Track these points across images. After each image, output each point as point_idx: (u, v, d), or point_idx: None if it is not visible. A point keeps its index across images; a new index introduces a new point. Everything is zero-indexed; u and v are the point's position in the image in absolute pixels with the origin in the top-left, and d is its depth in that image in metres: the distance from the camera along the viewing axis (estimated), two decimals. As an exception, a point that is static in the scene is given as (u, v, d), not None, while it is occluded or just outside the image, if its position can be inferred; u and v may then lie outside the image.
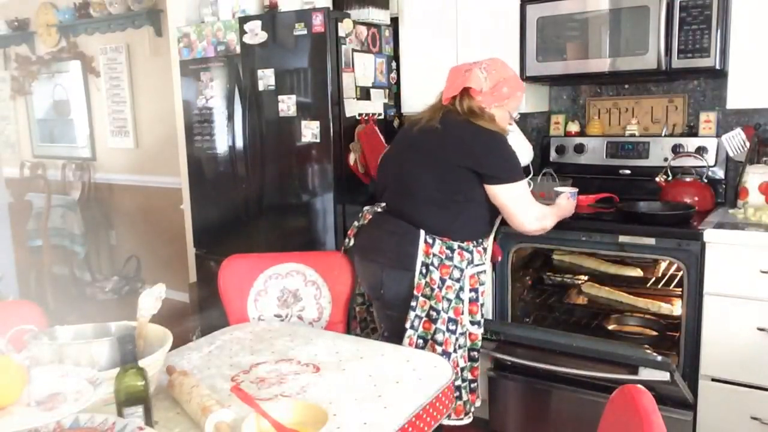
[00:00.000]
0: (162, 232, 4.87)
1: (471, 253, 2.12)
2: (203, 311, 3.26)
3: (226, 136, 3.10)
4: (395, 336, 2.14)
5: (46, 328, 1.57)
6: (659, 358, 2.01)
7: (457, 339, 2.10)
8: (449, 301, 2.09)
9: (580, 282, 3.00)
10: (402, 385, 1.55)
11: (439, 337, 2.07)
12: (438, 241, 2.08)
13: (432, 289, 2.07)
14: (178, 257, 4.28)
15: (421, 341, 2.09)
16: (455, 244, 2.09)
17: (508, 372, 2.67)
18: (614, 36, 2.56)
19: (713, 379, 2.29)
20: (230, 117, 3.06)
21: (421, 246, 2.07)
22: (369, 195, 2.84)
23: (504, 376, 2.69)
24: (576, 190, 2.58)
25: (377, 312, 2.31)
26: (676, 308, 2.69)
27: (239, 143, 3.06)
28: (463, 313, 2.10)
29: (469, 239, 2.12)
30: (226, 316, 2.23)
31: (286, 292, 2.25)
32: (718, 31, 2.35)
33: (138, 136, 5.01)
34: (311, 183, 2.90)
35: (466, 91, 2.12)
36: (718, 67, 2.38)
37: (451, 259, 2.08)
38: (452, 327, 2.10)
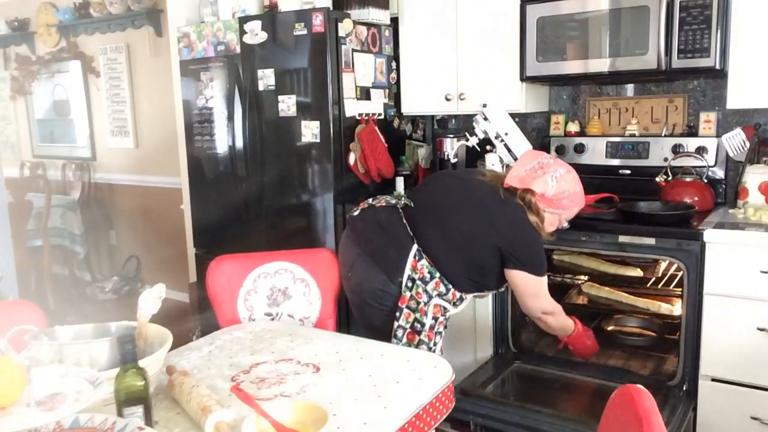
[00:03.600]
0: (162, 232, 4.87)
1: (448, 289, 2.14)
2: (203, 311, 3.25)
3: (226, 136, 3.10)
4: (360, 322, 2.28)
5: (46, 328, 1.56)
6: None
7: None
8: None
9: (580, 282, 3.00)
10: (402, 385, 1.55)
11: (423, 348, 2.13)
12: (425, 260, 2.11)
13: (418, 303, 2.11)
14: (178, 257, 4.28)
15: None
16: (437, 273, 2.11)
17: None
18: (614, 36, 2.56)
19: (713, 379, 2.30)
20: (230, 117, 3.06)
21: (410, 259, 2.10)
22: (369, 195, 2.83)
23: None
24: None
25: (347, 294, 2.33)
26: (676, 308, 2.69)
27: (239, 143, 3.06)
28: (420, 333, 2.14)
29: (450, 281, 2.14)
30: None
31: (276, 291, 2.25)
32: (718, 31, 2.35)
33: (138, 136, 5.01)
34: (311, 183, 2.90)
35: (529, 189, 2.12)
36: (718, 67, 2.38)
37: (426, 283, 2.11)
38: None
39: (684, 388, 2.33)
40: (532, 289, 2.15)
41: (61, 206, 5.07)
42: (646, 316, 2.80)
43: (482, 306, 2.75)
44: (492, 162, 2.72)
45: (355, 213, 2.29)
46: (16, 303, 2.25)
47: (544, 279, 2.16)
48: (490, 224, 2.09)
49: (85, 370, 1.25)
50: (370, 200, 2.32)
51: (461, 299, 2.20)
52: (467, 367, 2.69)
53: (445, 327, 2.23)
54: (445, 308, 2.17)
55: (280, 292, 2.26)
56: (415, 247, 2.10)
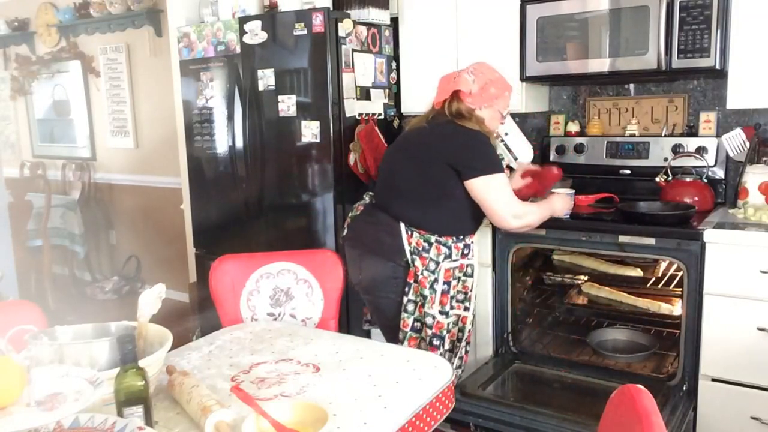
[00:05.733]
0: (162, 232, 4.86)
1: (449, 248, 2.22)
2: (203, 311, 3.25)
3: (226, 136, 3.10)
4: (378, 322, 2.36)
5: (46, 328, 1.57)
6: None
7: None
8: (433, 290, 2.21)
9: (580, 282, 3.00)
10: (402, 385, 1.55)
11: (429, 320, 2.21)
12: (416, 233, 2.19)
13: (417, 276, 2.19)
14: (178, 257, 4.28)
15: (418, 324, 2.24)
16: (432, 238, 2.19)
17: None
18: (614, 36, 2.56)
19: (713, 379, 2.29)
20: (230, 117, 3.06)
21: (404, 237, 2.19)
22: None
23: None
24: (573, 191, 2.58)
25: (363, 297, 2.42)
26: (676, 308, 2.69)
27: (239, 143, 3.06)
28: (434, 303, 2.21)
29: (447, 234, 2.21)
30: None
31: (278, 291, 2.26)
32: (718, 31, 2.35)
33: (138, 136, 5.01)
34: (311, 183, 2.90)
35: (455, 95, 2.20)
36: (718, 67, 2.38)
37: (427, 251, 2.18)
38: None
39: (684, 388, 2.33)
40: (495, 193, 2.12)
41: (61, 206, 5.07)
42: (639, 324, 2.79)
43: (482, 306, 2.75)
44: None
45: (345, 231, 2.39)
46: (16, 303, 2.25)
47: (504, 177, 2.15)
48: (429, 151, 2.17)
49: (85, 370, 1.25)
50: (350, 213, 2.42)
51: (467, 247, 2.25)
52: (467, 367, 2.68)
53: (466, 299, 2.28)
54: (455, 269, 2.22)
55: (283, 292, 2.26)
56: (402, 225, 2.19)
